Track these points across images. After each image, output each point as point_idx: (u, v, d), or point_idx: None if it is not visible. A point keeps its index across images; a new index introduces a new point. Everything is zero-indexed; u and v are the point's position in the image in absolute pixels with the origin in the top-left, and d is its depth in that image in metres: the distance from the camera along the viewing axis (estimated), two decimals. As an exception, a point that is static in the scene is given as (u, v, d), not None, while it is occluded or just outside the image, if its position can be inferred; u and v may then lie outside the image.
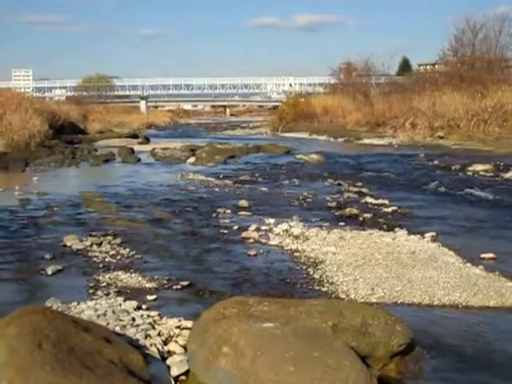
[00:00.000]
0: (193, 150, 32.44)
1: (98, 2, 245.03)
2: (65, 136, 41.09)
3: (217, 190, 19.18)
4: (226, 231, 12.93)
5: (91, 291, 8.81)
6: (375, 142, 41.27)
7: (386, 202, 16.39)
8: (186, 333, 6.83)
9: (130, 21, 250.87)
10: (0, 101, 36.31)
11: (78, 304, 7.99)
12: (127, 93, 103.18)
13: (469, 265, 10.08)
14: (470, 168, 23.90)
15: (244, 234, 12.43)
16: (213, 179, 21.62)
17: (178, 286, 9.09)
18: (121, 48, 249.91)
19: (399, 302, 8.44)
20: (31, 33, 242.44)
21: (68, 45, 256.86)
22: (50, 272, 9.80)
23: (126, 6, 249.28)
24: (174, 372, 5.98)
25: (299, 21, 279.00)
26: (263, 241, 12.03)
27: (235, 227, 13.21)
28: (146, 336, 6.75)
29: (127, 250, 11.20)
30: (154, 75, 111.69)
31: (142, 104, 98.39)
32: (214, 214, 14.82)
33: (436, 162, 26.96)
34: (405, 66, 78.71)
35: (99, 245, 11.57)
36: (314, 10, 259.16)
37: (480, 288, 8.82)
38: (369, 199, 16.86)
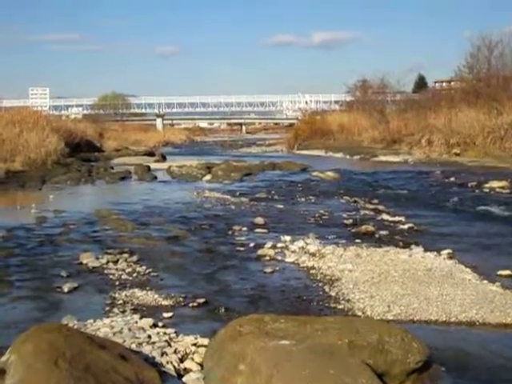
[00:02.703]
0: (209, 168, 32.45)
1: (116, 21, 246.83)
2: (81, 154, 41.31)
3: (233, 207, 19.18)
4: (241, 248, 12.93)
5: (107, 309, 8.83)
6: (391, 159, 41.19)
7: (403, 219, 16.34)
8: (202, 350, 6.83)
9: (147, 39, 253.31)
10: (17, 119, 36.58)
11: (94, 321, 8.00)
12: (143, 111, 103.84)
13: (485, 282, 10.03)
14: (487, 185, 23.80)
15: (260, 252, 12.42)
16: (229, 197, 21.62)
17: (195, 304, 9.10)
18: (138, 66, 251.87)
19: (416, 319, 8.41)
20: (49, 51, 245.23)
21: (85, 63, 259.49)
22: (66, 289, 9.84)
23: (144, 25, 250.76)
24: (190, 389, 5.98)
25: (316, 38, 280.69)
26: (279, 258, 12.02)
27: (251, 244, 13.20)
28: (163, 353, 6.74)
29: (143, 267, 11.22)
30: (170, 93, 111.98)
31: (159, 122, 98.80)
32: (230, 232, 14.82)
33: (452, 179, 26.85)
34: (420, 83, 78.67)
35: (115, 262, 11.59)
36: (331, 28, 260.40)
37: (497, 305, 8.77)
38: (385, 216, 16.82)
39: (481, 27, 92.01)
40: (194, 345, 7.17)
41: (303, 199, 20.94)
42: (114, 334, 7.39)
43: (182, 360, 6.72)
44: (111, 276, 10.74)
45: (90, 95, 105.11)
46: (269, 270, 11.11)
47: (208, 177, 29.43)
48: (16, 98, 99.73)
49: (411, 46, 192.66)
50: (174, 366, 6.46)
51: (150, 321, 8.02)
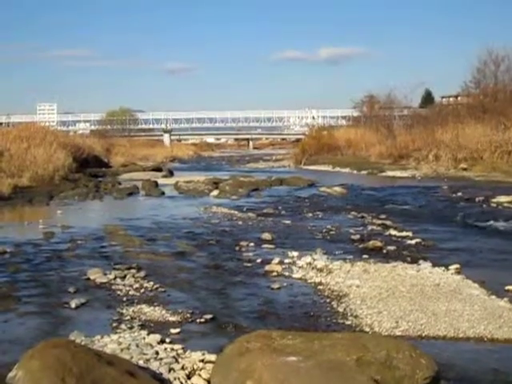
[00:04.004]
0: (216, 183, 32.48)
1: (123, 37, 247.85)
2: (89, 169, 41.39)
3: (240, 222, 19.17)
4: (249, 264, 12.92)
5: (115, 325, 8.82)
6: (398, 174, 41.16)
7: (410, 234, 16.32)
8: (209, 366, 6.82)
9: (154, 55, 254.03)
10: (25, 135, 36.72)
11: (102, 337, 8.01)
12: (151, 126, 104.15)
13: (494, 297, 10.01)
14: (494, 200, 23.77)
15: (267, 267, 12.41)
16: (236, 212, 21.63)
17: (202, 320, 9.08)
18: (145, 82, 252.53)
19: (424, 334, 8.38)
20: (57, 67, 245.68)
21: (93, 79, 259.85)
22: (73, 305, 9.83)
23: (151, 41, 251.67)
24: (198, 406, 5.96)
25: (323, 54, 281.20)
26: (286, 274, 12.00)
27: (258, 260, 13.19)
28: (170, 370, 6.74)
29: (151, 283, 11.21)
30: (177, 108, 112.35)
31: (166, 137, 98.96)
32: (237, 247, 14.82)
33: (460, 194, 26.81)
34: (427, 99, 78.71)
35: (123, 278, 11.59)
36: (338, 44, 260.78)
37: (505, 321, 8.75)
38: (392, 231, 16.80)
39: (487, 42, 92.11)
40: (202, 361, 7.16)
41: (310, 214, 20.92)
42: (122, 350, 7.39)
43: (189, 376, 6.70)
44: (119, 292, 10.73)
45: (98, 111, 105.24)
46: (276, 285, 11.10)
47: (215, 192, 29.43)
48: (24, 113, 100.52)
49: (418, 62, 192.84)
50: (182, 383, 6.46)
51: (157, 337, 8.01)
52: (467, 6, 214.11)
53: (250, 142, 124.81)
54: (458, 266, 12.20)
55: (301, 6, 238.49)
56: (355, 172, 45.44)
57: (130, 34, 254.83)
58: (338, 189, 29.42)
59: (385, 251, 14.15)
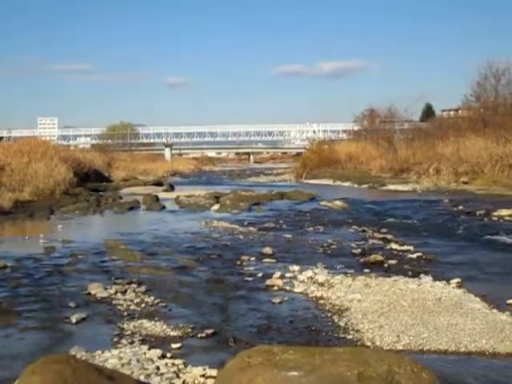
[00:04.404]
0: (217, 198, 32.49)
1: (124, 51, 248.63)
2: (89, 184, 41.41)
3: (241, 237, 19.17)
4: (250, 279, 12.91)
5: (116, 339, 8.81)
6: (399, 187, 41.15)
7: (411, 248, 16.31)
8: (210, 382, 6.81)
9: (155, 69, 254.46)
10: (26, 149, 36.77)
11: (103, 352, 7.99)
12: (152, 140, 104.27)
13: (495, 311, 10.00)
14: (495, 213, 23.75)
15: (268, 282, 12.39)
16: (237, 226, 21.62)
17: (203, 334, 9.07)
18: (146, 96, 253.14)
19: (425, 349, 8.37)
20: (58, 81, 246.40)
21: (94, 93, 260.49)
22: (74, 320, 9.82)
23: (152, 55, 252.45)
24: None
25: (324, 68, 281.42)
26: (288, 288, 11.99)
27: (259, 275, 13.18)
28: (171, 385, 6.72)
29: (152, 297, 11.20)
30: (178, 123, 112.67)
31: (167, 151, 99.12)
32: (239, 262, 14.81)
33: (461, 208, 26.79)
34: (428, 112, 78.88)
35: (124, 293, 11.57)
36: (339, 57, 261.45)
37: (507, 334, 8.73)
38: (393, 245, 16.78)
39: (488, 55, 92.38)
40: (203, 376, 7.15)
41: (311, 229, 20.91)
42: (123, 365, 7.37)
43: (190, 391, 6.69)
44: (119, 306, 10.72)
45: (99, 125, 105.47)
46: (277, 300, 11.08)
47: (216, 206, 29.42)
48: (25, 127, 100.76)
49: (419, 75, 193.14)
50: (183, 398, 6.44)
51: (158, 352, 8.00)
52: (467, 19, 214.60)
53: (251, 156, 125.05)
54: (459, 279, 12.19)
55: (300, 19, 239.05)
56: (356, 186, 45.45)
57: (131, 48, 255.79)
58: (338, 203, 29.41)
59: (386, 265, 14.14)
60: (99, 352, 8.01)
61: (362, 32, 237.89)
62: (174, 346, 8.50)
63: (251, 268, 14.02)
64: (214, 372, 7.06)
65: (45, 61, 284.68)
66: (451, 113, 70.24)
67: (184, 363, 7.64)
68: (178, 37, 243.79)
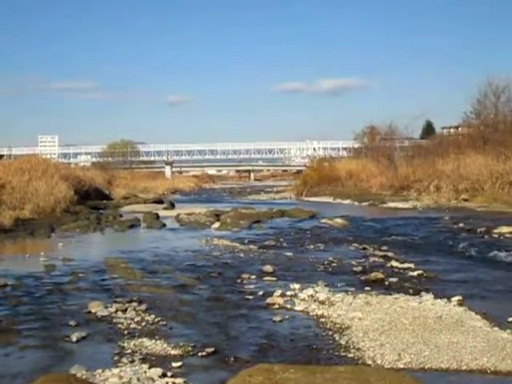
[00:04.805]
0: (217, 215, 32.50)
1: (124, 69, 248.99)
2: (90, 202, 41.39)
3: (241, 255, 19.15)
4: (250, 297, 12.89)
5: (116, 358, 8.78)
6: (400, 205, 41.14)
7: (412, 265, 16.29)
8: (211, 400, 6.79)
9: (156, 87, 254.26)
10: (26, 167, 36.79)
11: (103, 371, 7.97)
12: (152, 158, 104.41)
13: (496, 329, 9.97)
14: (496, 230, 23.75)
15: (269, 300, 12.38)
16: (237, 244, 21.61)
17: (204, 353, 9.04)
18: (146, 114, 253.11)
19: (426, 367, 8.34)
20: (58, 99, 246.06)
21: (94, 111, 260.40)
22: (74, 339, 9.80)
23: (153, 73, 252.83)
24: None
25: (324, 85, 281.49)
26: (288, 306, 11.97)
27: (260, 293, 13.16)
28: (171, 404, 6.70)
29: (152, 316, 11.18)
30: (179, 141, 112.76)
31: (167, 169, 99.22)
32: (239, 280, 14.79)
33: (461, 225, 26.78)
34: (428, 129, 79.02)
35: (124, 311, 11.55)
36: (339, 75, 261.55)
37: (508, 352, 8.71)
38: (394, 263, 16.76)
39: (488, 72, 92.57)
40: (204, 395, 7.12)
41: (312, 246, 20.89)
42: (123, 384, 7.35)
43: (191, 410, 6.67)
44: (120, 325, 10.70)
45: (99, 143, 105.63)
46: (278, 318, 11.06)
47: (216, 224, 29.41)
48: (25, 145, 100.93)
49: (419, 93, 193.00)
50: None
51: (158, 371, 7.98)
52: (467, 36, 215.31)
53: (252, 174, 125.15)
54: (460, 297, 12.17)
55: (299, 36, 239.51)
56: (356, 203, 45.45)
57: (131, 66, 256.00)
58: (339, 220, 29.42)
59: (387, 283, 14.13)
60: (99, 371, 7.99)
61: (362, 49, 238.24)
62: (174, 364, 8.48)
63: (252, 286, 14.00)
64: (214, 391, 7.04)
65: (45, 79, 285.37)
66: (451, 130, 70.44)
67: (185, 382, 7.63)
68: (178, 55, 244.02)
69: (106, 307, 11.77)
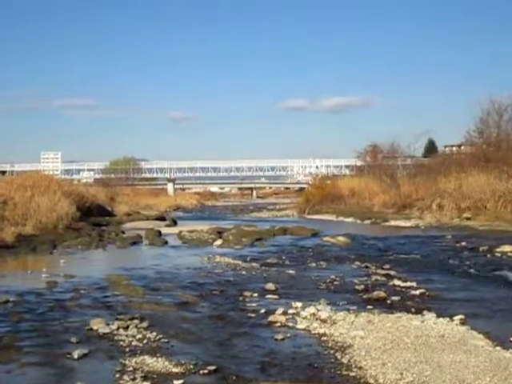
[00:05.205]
0: (220, 233, 32.53)
1: (127, 85, 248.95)
2: (92, 218, 41.38)
3: (244, 272, 19.14)
4: (252, 315, 12.87)
5: (117, 376, 8.77)
6: (402, 223, 41.14)
7: (414, 284, 16.28)
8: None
9: (158, 104, 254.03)
10: (29, 183, 36.84)
11: (104, 389, 7.95)
12: (155, 175, 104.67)
13: (499, 348, 9.95)
14: (498, 249, 23.72)
15: (271, 318, 12.36)
16: (240, 262, 21.59)
17: (205, 371, 9.02)
18: (149, 131, 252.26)
19: (429, 387, 8.31)
20: (61, 116, 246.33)
21: (96, 127, 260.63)
22: (76, 356, 9.78)
23: (156, 90, 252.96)
24: None
25: (326, 103, 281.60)
26: (290, 325, 11.96)
27: (262, 311, 13.14)
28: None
29: (154, 333, 11.16)
30: (181, 158, 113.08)
31: (170, 186, 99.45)
32: (241, 298, 14.78)
33: (463, 244, 26.75)
34: (430, 148, 79.19)
35: (126, 328, 11.53)
36: (340, 93, 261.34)
37: (511, 372, 8.67)
38: (396, 282, 16.74)
39: (490, 91, 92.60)
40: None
41: (314, 264, 20.87)
42: (124, 401, 7.33)
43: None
44: (121, 342, 10.68)
45: (102, 159, 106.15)
46: (280, 336, 11.04)
47: (219, 242, 29.42)
48: (28, 162, 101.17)
49: (421, 111, 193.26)
50: None
51: (160, 388, 7.96)
52: (470, 54, 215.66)
53: (254, 191, 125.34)
54: (462, 316, 12.15)
55: (301, 53, 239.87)
56: (359, 221, 45.47)
57: (134, 83, 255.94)
58: (341, 238, 29.41)
59: (389, 302, 14.11)
60: (101, 388, 7.98)
61: (365, 67, 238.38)
62: (176, 382, 8.46)
63: (254, 304, 13.98)
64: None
65: (47, 95, 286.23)
66: (454, 148, 70.57)
67: (186, 400, 7.61)
68: (180, 72, 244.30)
69: (108, 324, 11.75)
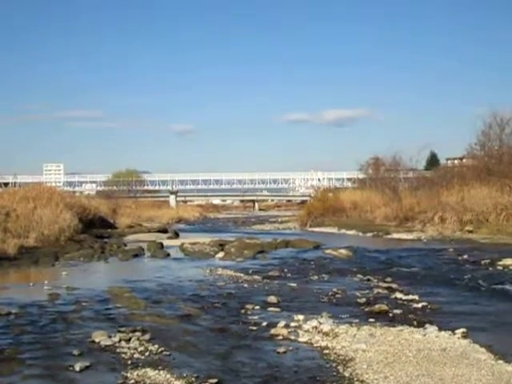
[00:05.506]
0: (222, 245, 32.53)
1: (130, 98, 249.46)
2: (94, 230, 41.46)
3: (246, 285, 19.13)
4: (254, 328, 12.86)
5: (119, 388, 8.77)
6: (404, 236, 41.09)
7: (416, 297, 16.26)
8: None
9: (161, 116, 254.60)
10: (31, 195, 36.90)
11: (106, 401, 7.96)
12: (157, 187, 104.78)
13: (501, 362, 9.93)
14: (500, 262, 23.68)
15: (273, 331, 12.35)
16: (242, 274, 21.58)
17: (207, 384, 9.02)
18: (151, 143, 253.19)
19: (431, 400, 8.31)
20: (64, 128, 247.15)
21: (100, 140, 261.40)
22: (77, 368, 9.79)
23: (159, 103, 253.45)
24: None
25: (329, 116, 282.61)
26: (292, 338, 11.94)
27: (264, 324, 13.13)
28: None
29: (156, 346, 11.16)
30: (183, 170, 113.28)
31: (172, 199, 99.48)
32: (243, 310, 14.77)
33: (465, 257, 26.70)
34: (433, 161, 79.28)
35: (128, 341, 11.54)
36: (342, 105, 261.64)
37: (513, 386, 8.67)
38: (398, 295, 16.73)
39: (492, 104, 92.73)
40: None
41: (316, 277, 20.85)
42: (126, 414, 7.34)
43: None
44: (123, 355, 10.68)
45: (104, 172, 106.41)
46: (282, 349, 11.03)
47: (221, 254, 29.42)
48: (30, 173, 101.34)
49: (423, 124, 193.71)
50: None
51: (162, 401, 7.96)
52: (470, 67, 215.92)
53: (256, 204, 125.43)
54: (464, 329, 12.13)
55: (304, 66, 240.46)
56: (361, 234, 45.42)
57: (137, 96, 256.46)
58: (343, 251, 29.39)
59: (391, 315, 14.10)
60: (103, 401, 7.98)
61: (366, 81, 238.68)
62: (177, 395, 8.46)
63: (256, 317, 13.97)
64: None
65: (51, 108, 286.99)
66: (456, 161, 70.57)
67: (188, 413, 7.61)
68: (184, 85, 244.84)
69: (110, 337, 11.76)
